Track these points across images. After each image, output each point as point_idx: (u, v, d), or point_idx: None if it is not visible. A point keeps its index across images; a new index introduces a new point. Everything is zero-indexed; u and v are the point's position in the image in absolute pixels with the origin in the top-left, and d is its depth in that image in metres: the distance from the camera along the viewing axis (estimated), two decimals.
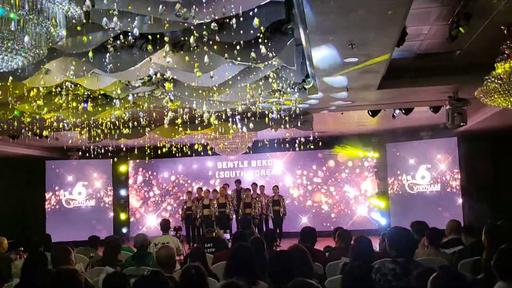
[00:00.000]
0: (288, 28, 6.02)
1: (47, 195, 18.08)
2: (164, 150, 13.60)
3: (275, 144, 14.06)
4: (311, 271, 4.95)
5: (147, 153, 15.07)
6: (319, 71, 7.93)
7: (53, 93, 8.01)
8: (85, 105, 8.92)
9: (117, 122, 10.91)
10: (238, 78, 7.50)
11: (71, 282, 3.84)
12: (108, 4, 4.54)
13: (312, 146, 13.26)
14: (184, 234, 15.05)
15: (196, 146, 13.40)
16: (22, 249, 8.68)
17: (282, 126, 11.51)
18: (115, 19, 4.28)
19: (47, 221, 17.80)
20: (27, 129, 10.10)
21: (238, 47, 5.68)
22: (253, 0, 4.86)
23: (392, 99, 10.57)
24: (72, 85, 7.47)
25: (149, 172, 19.21)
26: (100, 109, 9.22)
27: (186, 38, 5.92)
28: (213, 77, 6.59)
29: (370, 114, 11.86)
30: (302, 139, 12.93)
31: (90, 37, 5.41)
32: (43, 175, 18.01)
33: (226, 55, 5.88)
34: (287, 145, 13.12)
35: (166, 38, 5.68)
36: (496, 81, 6.50)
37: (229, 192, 16.72)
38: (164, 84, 7.57)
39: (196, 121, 10.49)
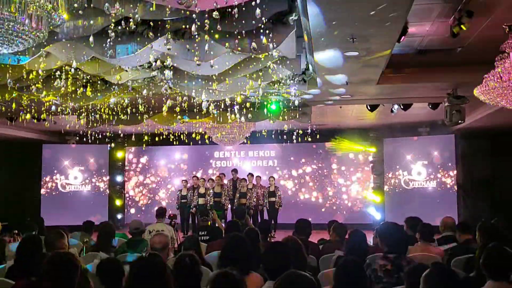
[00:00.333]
0: (290, 19, 6.00)
1: (43, 179, 18.06)
2: (161, 137, 13.60)
3: (273, 136, 14.05)
4: (305, 263, 4.97)
5: (144, 140, 15.08)
6: (319, 64, 7.93)
7: (52, 77, 7.98)
8: (84, 89, 8.90)
9: (115, 108, 10.90)
10: (238, 68, 7.48)
11: (68, 266, 3.84)
12: None
13: (309, 139, 13.28)
14: (179, 222, 15.08)
15: (193, 135, 13.39)
16: (17, 231, 8.67)
17: (281, 117, 11.51)
18: (117, 4, 4.27)
19: (42, 204, 17.79)
20: (25, 111, 10.07)
21: (239, 37, 5.67)
22: None
23: (391, 94, 10.57)
24: (72, 69, 7.44)
25: (146, 159, 19.20)
26: (99, 94, 9.20)
27: (188, 26, 5.91)
28: (213, 66, 6.58)
29: (369, 108, 11.86)
30: (300, 131, 12.93)
31: (91, 22, 5.38)
32: (40, 158, 17.98)
33: (226, 44, 5.87)
34: (284, 136, 13.12)
35: (167, 26, 5.66)
36: (495, 79, 6.50)
37: (225, 181, 16.72)
38: (164, 72, 7.55)
39: (195, 110, 10.48)
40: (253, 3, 4.49)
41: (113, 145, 16.12)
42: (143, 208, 18.90)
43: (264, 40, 5.39)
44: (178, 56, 6.65)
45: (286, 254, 4.09)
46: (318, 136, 14.70)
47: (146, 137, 14.85)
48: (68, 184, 18.26)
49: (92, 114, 11.15)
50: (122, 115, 11.02)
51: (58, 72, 7.75)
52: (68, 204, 17.79)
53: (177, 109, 10.33)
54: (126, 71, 7.90)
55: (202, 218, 10.24)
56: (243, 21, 5.28)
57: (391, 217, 15.52)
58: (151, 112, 11.64)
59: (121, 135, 14.70)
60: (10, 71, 7.23)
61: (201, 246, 6.25)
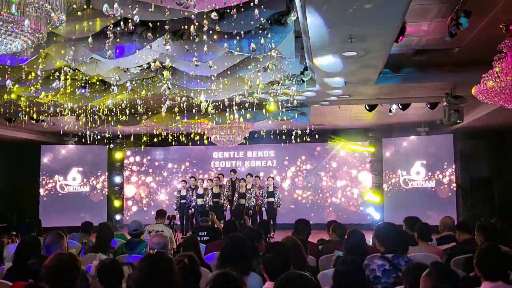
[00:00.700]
0: (288, 20, 6.01)
1: (42, 180, 18.04)
2: (160, 138, 13.59)
3: (272, 136, 14.06)
4: (304, 263, 4.97)
5: (143, 140, 15.07)
6: (318, 65, 7.94)
7: (51, 78, 7.98)
8: (83, 90, 8.89)
9: (114, 109, 10.89)
10: (237, 68, 7.49)
11: (70, 267, 3.84)
12: None
13: (308, 139, 13.28)
14: (178, 223, 15.09)
15: (192, 135, 13.38)
16: (15, 233, 8.68)
17: (279, 117, 11.52)
18: (116, 5, 4.27)
19: (40, 206, 17.79)
20: (23, 112, 10.07)
21: (237, 38, 5.68)
22: None
23: (390, 94, 10.58)
24: (71, 70, 7.44)
25: (145, 160, 19.20)
26: (97, 95, 9.20)
27: (186, 27, 5.91)
28: (212, 67, 6.59)
29: (367, 108, 11.87)
30: (299, 131, 12.94)
31: (90, 22, 5.38)
32: (38, 159, 17.97)
33: (225, 45, 5.87)
34: (283, 137, 13.13)
35: (166, 26, 5.66)
36: (493, 79, 6.51)
37: (224, 182, 16.73)
38: (163, 72, 7.56)
39: (194, 110, 10.47)
40: (252, 3, 4.50)
41: (111, 146, 16.14)
42: (142, 209, 18.88)
43: (262, 40, 5.39)
44: (176, 56, 6.65)
45: (286, 254, 4.09)
46: (316, 136, 14.73)
47: (145, 138, 14.84)
48: (67, 185, 18.25)
49: (91, 115, 11.14)
50: (120, 116, 11.02)
51: (57, 73, 7.75)
52: (66, 205, 17.79)
53: (176, 109, 10.33)
54: (125, 72, 7.90)
55: (201, 219, 10.25)
56: (242, 22, 5.29)
57: (390, 217, 15.55)
58: (150, 113, 11.64)
59: (120, 136, 14.71)
60: (9, 72, 7.22)
61: (200, 246, 6.25)
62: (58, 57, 6.76)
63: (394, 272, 4.59)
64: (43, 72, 7.54)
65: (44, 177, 18.08)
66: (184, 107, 10.32)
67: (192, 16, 5.17)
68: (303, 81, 8.92)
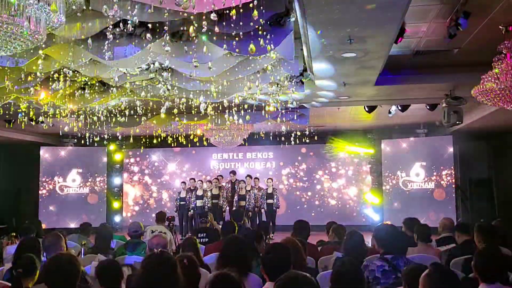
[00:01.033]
0: (288, 21, 6.02)
1: (41, 181, 18.03)
2: (159, 139, 13.59)
3: (271, 137, 14.06)
4: (304, 264, 4.97)
5: (142, 142, 15.06)
6: (317, 66, 7.95)
7: (50, 79, 7.98)
8: (83, 92, 8.90)
9: (113, 110, 10.89)
10: (236, 69, 7.49)
11: (69, 268, 3.84)
12: None
13: (307, 140, 13.28)
14: (177, 225, 15.08)
15: (191, 137, 13.38)
16: (14, 234, 8.66)
17: (279, 119, 11.52)
18: (115, 6, 4.27)
19: (40, 207, 17.78)
20: (23, 114, 10.06)
21: (237, 39, 5.68)
22: None
23: (389, 95, 10.59)
24: (70, 72, 7.44)
25: (144, 161, 19.19)
26: (97, 96, 9.20)
27: (186, 28, 5.92)
28: (211, 68, 6.59)
29: (367, 110, 11.87)
30: (298, 133, 12.94)
31: (89, 24, 5.38)
32: (37, 161, 17.96)
33: (224, 46, 5.87)
34: (282, 138, 13.13)
35: (165, 27, 5.67)
36: (492, 80, 6.51)
37: (223, 183, 16.73)
38: (162, 73, 7.56)
39: (193, 112, 10.47)
40: (251, 4, 4.50)
41: (111, 147, 16.13)
42: (141, 211, 18.87)
43: (261, 41, 5.39)
44: (176, 58, 6.65)
45: (286, 255, 4.08)
46: (316, 138, 14.73)
47: (144, 139, 14.83)
48: (66, 186, 18.23)
49: (90, 116, 11.13)
50: (120, 117, 11.02)
51: (56, 75, 7.75)
52: (66, 207, 17.80)
53: (175, 111, 10.33)
54: (124, 73, 7.90)
55: (200, 220, 10.23)
56: (241, 23, 5.29)
57: (389, 218, 15.56)
58: (149, 114, 11.64)
59: (119, 137, 14.72)
60: (8, 73, 7.22)
61: (199, 248, 6.24)
62: (58, 59, 6.77)
63: (393, 273, 4.59)
64: (42, 74, 7.54)
65: (43, 178, 18.06)
66: (183, 108, 10.32)
67: (191, 17, 5.17)
68: (302, 83, 8.93)
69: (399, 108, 11.74)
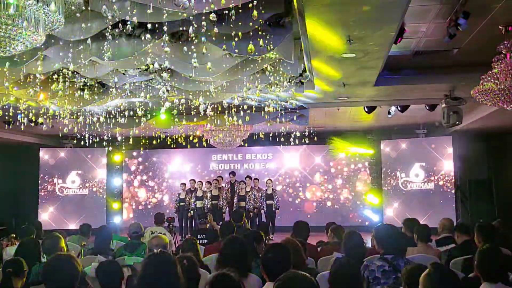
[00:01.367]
0: (287, 21, 6.01)
1: (41, 183, 18.03)
2: (159, 140, 13.59)
3: (270, 138, 14.05)
4: (304, 265, 4.97)
5: (142, 143, 15.06)
6: (316, 66, 7.95)
7: (49, 80, 7.97)
8: (82, 93, 8.89)
9: (112, 111, 10.89)
10: (235, 70, 7.49)
11: (69, 268, 3.83)
12: None
13: (307, 141, 13.27)
14: (177, 226, 15.08)
15: (191, 138, 13.37)
16: (14, 235, 8.66)
17: (278, 120, 11.52)
18: (114, 7, 4.27)
19: (40, 208, 17.79)
20: (22, 115, 10.06)
21: (236, 39, 5.68)
22: None
23: (389, 95, 10.58)
24: (69, 73, 7.43)
25: (143, 163, 19.18)
26: (96, 97, 9.19)
27: (185, 28, 5.91)
28: (210, 69, 6.58)
29: (366, 110, 11.87)
30: (298, 134, 12.94)
31: (88, 24, 5.38)
32: (37, 162, 17.96)
33: (224, 46, 5.87)
34: (282, 139, 13.13)
35: (165, 28, 5.66)
36: (492, 80, 6.51)
37: (223, 184, 16.73)
38: (161, 74, 7.56)
39: (192, 113, 10.47)
40: (250, 5, 4.50)
41: (110, 148, 16.10)
42: (141, 212, 18.86)
43: (261, 42, 5.39)
44: (175, 58, 6.65)
45: (286, 255, 4.08)
46: (315, 138, 14.71)
47: (143, 140, 14.83)
48: (66, 187, 18.22)
49: (90, 117, 11.13)
50: (119, 118, 11.01)
51: (56, 76, 7.75)
52: (65, 208, 17.80)
53: (175, 112, 10.33)
54: (124, 74, 7.90)
55: (200, 221, 10.23)
56: (240, 23, 5.29)
57: (389, 219, 15.56)
58: (149, 115, 11.64)
59: (119, 138, 14.70)
60: (7, 75, 7.22)
61: (199, 248, 6.24)
62: (57, 60, 6.76)
63: (393, 273, 4.59)
64: (41, 75, 7.54)
65: (43, 179, 18.07)
66: (183, 109, 10.32)
67: (191, 17, 5.17)
68: (302, 83, 8.92)
69: (399, 108, 11.74)
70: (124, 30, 5.16)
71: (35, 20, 4.10)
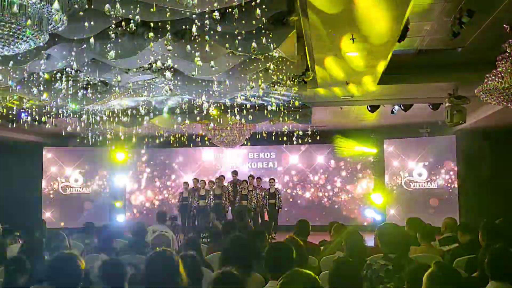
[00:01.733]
0: (290, 19, 6.00)
1: (44, 181, 18.06)
2: (162, 139, 13.59)
3: (273, 137, 14.05)
4: (306, 263, 4.96)
5: (145, 142, 15.06)
6: (319, 65, 7.93)
7: (53, 79, 7.98)
8: (85, 92, 8.89)
9: (116, 110, 10.89)
10: (238, 69, 7.48)
11: (72, 267, 3.83)
12: None
13: (309, 140, 13.27)
14: (180, 224, 15.08)
15: (194, 137, 13.37)
16: (18, 234, 8.67)
17: (281, 119, 11.51)
18: (117, 5, 4.26)
19: (43, 207, 17.82)
20: (27, 114, 10.08)
21: (239, 38, 5.67)
22: None
23: (392, 94, 10.56)
24: (72, 71, 7.44)
25: (146, 161, 19.18)
26: (99, 96, 9.19)
27: (188, 27, 5.91)
28: (213, 67, 6.58)
29: (369, 109, 11.85)
30: (300, 133, 12.93)
31: (91, 23, 5.38)
32: (40, 161, 17.99)
33: (227, 45, 5.86)
34: (285, 138, 13.12)
35: (167, 27, 5.66)
36: (496, 79, 6.48)
37: (225, 183, 16.72)
38: (164, 73, 7.55)
39: (195, 112, 10.47)
40: (253, 3, 4.49)
41: (113, 147, 16.12)
42: (144, 210, 18.87)
43: (264, 40, 5.39)
44: (178, 57, 6.64)
45: (289, 254, 4.08)
46: (318, 138, 14.71)
47: (146, 139, 14.83)
48: (69, 186, 18.25)
49: (93, 116, 11.14)
50: (123, 117, 11.02)
51: (59, 74, 7.75)
52: (69, 207, 17.82)
53: (178, 110, 10.33)
54: (127, 72, 7.90)
55: (203, 220, 10.24)
56: (243, 22, 5.28)
57: (392, 218, 15.53)
58: (152, 114, 11.64)
59: (122, 137, 14.70)
60: (11, 74, 7.22)
61: (201, 247, 6.24)
62: (60, 58, 6.76)
63: (397, 272, 4.58)
64: (45, 74, 7.54)
65: (46, 178, 18.10)
66: (186, 108, 10.32)
67: (194, 16, 5.16)
68: (305, 82, 8.91)
69: (402, 107, 11.71)
70: (128, 29, 5.15)
71: (39, 19, 4.10)
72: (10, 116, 11.17)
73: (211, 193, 15.96)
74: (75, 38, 5.93)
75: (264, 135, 14.19)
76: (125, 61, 6.71)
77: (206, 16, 4.96)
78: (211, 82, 8.21)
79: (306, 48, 7.21)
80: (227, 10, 5.23)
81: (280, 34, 6.03)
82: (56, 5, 3.93)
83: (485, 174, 15.73)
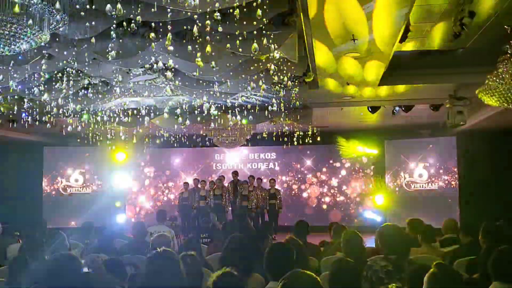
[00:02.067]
0: (291, 20, 6.00)
1: (45, 181, 18.07)
2: (162, 139, 13.58)
3: (274, 138, 14.04)
4: (307, 264, 4.96)
5: (145, 142, 15.06)
6: (320, 66, 7.93)
7: (54, 79, 7.98)
8: (85, 91, 8.89)
9: (116, 110, 10.89)
10: (239, 69, 7.48)
11: (70, 267, 3.84)
12: None
13: (310, 141, 13.26)
14: (180, 225, 15.09)
15: (194, 137, 13.37)
16: (18, 233, 8.68)
17: (282, 119, 11.50)
18: (118, 5, 4.26)
19: (43, 207, 17.83)
20: (27, 114, 10.08)
21: (240, 38, 5.67)
22: None
23: (393, 95, 10.56)
24: (73, 71, 7.44)
25: (147, 161, 19.19)
26: (100, 96, 9.19)
27: (189, 27, 5.91)
28: (214, 68, 6.58)
29: (370, 110, 11.84)
30: (301, 133, 12.92)
31: (93, 23, 5.38)
32: (41, 161, 17.99)
33: (228, 45, 5.86)
34: (285, 138, 13.11)
35: (169, 27, 5.66)
36: (497, 80, 6.47)
37: (226, 184, 16.71)
38: (165, 73, 7.55)
39: (196, 112, 10.47)
40: (254, 4, 4.49)
41: (114, 147, 16.11)
42: (145, 211, 18.88)
43: (265, 41, 5.38)
44: (179, 57, 6.64)
45: (289, 255, 4.09)
46: (319, 138, 14.69)
47: (147, 139, 14.83)
48: (69, 186, 18.26)
49: (93, 116, 11.13)
50: (123, 117, 11.01)
51: (60, 74, 7.75)
52: (69, 206, 17.82)
53: (179, 111, 10.32)
54: (128, 73, 7.89)
55: (203, 220, 10.24)
56: (245, 22, 5.28)
57: (393, 219, 15.52)
58: (152, 114, 11.64)
59: (123, 137, 14.70)
60: (12, 73, 7.22)
61: (202, 248, 6.24)
62: (61, 58, 6.76)
63: (397, 273, 4.58)
64: (46, 73, 7.54)
65: (46, 178, 18.11)
66: (186, 108, 10.32)
67: (195, 16, 5.16)
68: (306, 83, 8.91)
69: (403, 108, 11.71)
70: (129, 29, 5.15)
71: (40, 18, 4.10)
72: (11, 116, 11.18)
73: (211, 193, 15.96)
74: (76, 38, 5.93)
75: (265, 135, 14.18)
76: (126, 61, 6.71)
77: (207, 16, 4.96)
78: (212, 82, 8.21)
79: (307, 48, 7.20)
80: (228, 11, 5.23)
81: (281, 35, 6.03)
82: (57, 5, 3.94)
83: (486, 175, 15.74)
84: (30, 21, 3.89)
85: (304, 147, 16.85)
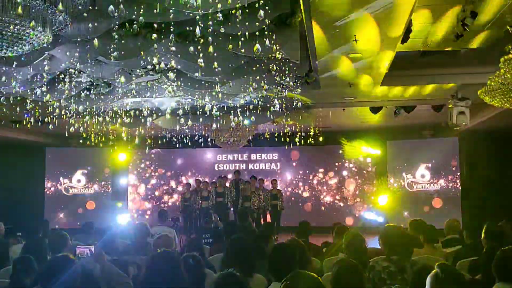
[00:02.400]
0: (293, 21, 6.00)
1: (47, 182, 18.09)
2: (164, 140, 13.59)
3: (275, 138, 14.04)
4: (309, 265, 4.96)
5: (147, 142, 15.08)
6: (322, 66, 7.93)
7: (56, 80, 7.99)
8: (88, 92, 8.90)
9: (118, 111, 10.90)
10: (241, 70, 7.48)
11: (70, 269, 3.84)
12: None
13: (312, 142, 13.25)
14: (182, 225, 15.09)
15: (196, 138, 13.37)
16: (20, 234, 8.67)
17: (284, 120, 11.50)
18: (121, 6, 4.27)
19: (45, 207, 17.84)
20: (30, 114, 10.09)
21: (242, 39, 5.68)
22: None
23: (395, 96, 10.55)
24: (76, 72, 7.45)
25: (149, 162, 19.19)
26: (102, 97, 9.20)
27: (191, 28, 5.91)
28: (216, 68, 6.59)
29: (372, 111, 11.83)
30: (303, 134, 12.92)
31: (95, 24, 5.39)
32: (43, 161, 18.01)
33: (230, 46, 5.87)
34: (287, 139, 13.10)
35: (171, 28, 5.67)
36: (499, 81, 6.47)
37: (227, 184, 16.68)
38: (168, 74, 7.56)
39: (198, 113, 10.47)
40: (256, 4, 4.49)
41: (116, 147, 16.12)
42: (146, 211, 18.89)
43: (267, 42, 5.39)
44: (181, 58, 6.65)
45: (292, 255, 4.09)
46: (321, 139, 14.68)
47: (149, 140, 14.84)
48: (72, 187, 18.27)
49: (96, 116, 11.14)
50: (125, 118, 11.02)
51: (62, 75, 7.76)
52: (71, 207, 17.83)
53: (181, 112, 10.33)
54: (130, 73, 7.90)
55: (205, 220, 10.25)
56: (247, 23, 5.29)
57: (395, 220, 15.49)
58: (154, 115, 11.65)
59: (125, 138, 14.71)
60: (14, 74, 7.23)
61: (204, 248, 6.24)
62: (64, 59, 6.77)
63: (399, 274, 4.58)
64: (48, 74, 7.55)
65: (48, 179, 18.13)
66: (189, 109, 10.32)
67: (197, 17, 5.17)
68: (308, 83, 8.91)
69: (405, 109, 11.70)
70: (131, 30, 5.16)
71: (42, 19, 4.11)
72: (13, 117, 11.20)
73: (213, 193, 15.95)
74: (79, 39, 5.94)
75: (267, 136, 14.18)
76: (128, 62, 6.72)
77: (210, 17, 4.96)
78: (214, 83, 8.21)
79: (309, 49, 7.20)
80: (230, 12, 5.23)
81: (283, 36, 6.04)
82: (60, 6, 3.95)
83: (488, 175, 15.71)
84: (33, 23, 3.89)
85: (306, 148, 16.84)
